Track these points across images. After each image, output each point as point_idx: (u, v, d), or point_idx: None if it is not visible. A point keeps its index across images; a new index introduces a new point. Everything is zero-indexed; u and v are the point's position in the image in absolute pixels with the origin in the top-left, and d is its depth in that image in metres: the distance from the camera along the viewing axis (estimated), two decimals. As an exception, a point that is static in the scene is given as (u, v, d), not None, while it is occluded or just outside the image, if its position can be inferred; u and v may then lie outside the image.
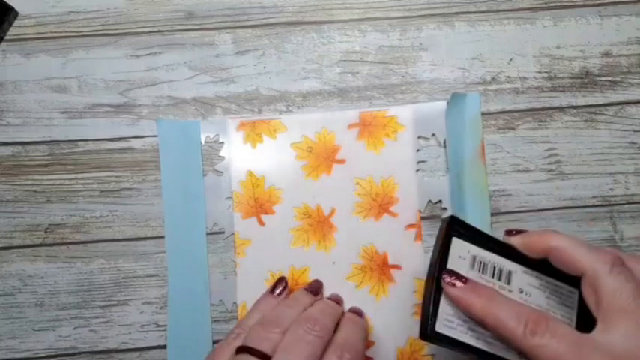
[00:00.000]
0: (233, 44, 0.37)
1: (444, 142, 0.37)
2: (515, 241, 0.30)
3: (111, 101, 0.37)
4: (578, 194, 0.37)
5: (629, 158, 0.37)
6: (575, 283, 0.28)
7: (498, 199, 0.37)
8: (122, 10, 0.37)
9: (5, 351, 0.36)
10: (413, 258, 0.36)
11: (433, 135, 0.37)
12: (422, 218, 0.36)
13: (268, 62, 0.37)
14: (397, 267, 0.36)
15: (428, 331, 0.29)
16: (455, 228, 0.31)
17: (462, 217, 0.36)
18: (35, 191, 0.37)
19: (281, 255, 0.36)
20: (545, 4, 0.38)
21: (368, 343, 0.35)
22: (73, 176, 0.37)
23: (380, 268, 0.36)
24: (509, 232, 0.31)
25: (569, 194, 0.37)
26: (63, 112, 0.37)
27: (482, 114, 0.37)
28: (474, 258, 0.30)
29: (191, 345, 0.35)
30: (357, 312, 0.35)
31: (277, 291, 0.35)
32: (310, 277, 0.36)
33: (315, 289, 0.35)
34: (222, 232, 0.36)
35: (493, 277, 0.30)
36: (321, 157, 0.37)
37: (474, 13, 0.38)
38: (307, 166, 0.37)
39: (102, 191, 0.37)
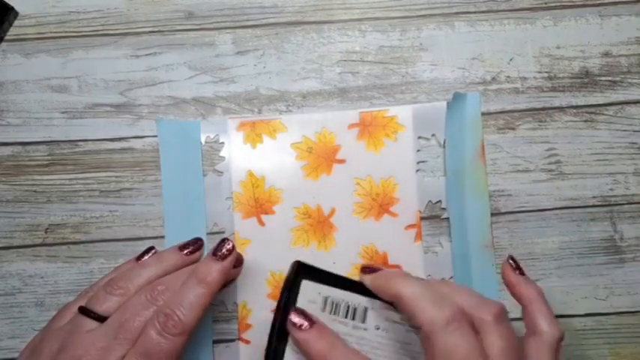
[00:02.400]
0: (233, 44, 0.37)
1: (444, 142, 0.37)
2: (365, 280, 0.30)
3: (111, 101, 0.37)
4: (578, 194, 0.37)
5: (629, 158, 0.37)
6: None
7: (498, 199, 0.37)
8: (122, 10, 0.37)
9: (5, 351, 0.36)
10: (413, 258, 0.36)
11: (433, 135, 0.37)
12: (422, 218, 0.36)
13: (268, 62, 0.37)
14: (397, 267, 0.36)
15: None
16: (303, 272, 0.31)
17: (462, 217, 0.36)
18: (35, 191, 0.37)
19: (281, 255, 0.36)
20: (545, 4, 0.38)
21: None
22: (73, 176, 0.37)
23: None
24: (363, 270, 0.31)
25: (569, 194, 0.37)
26: (63, 112, 0.37)
27: (482, 114, 0.37)
28: (326, 299, 0.30)
29: (191, 345, 0.35)
30: (220, 249, 0.31)
31: (142, 259, 0.32)
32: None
33: (187, 246, 0.32)
34: (223, 232, 0.36)
35: (347, 317, 0.30)
36: (321, 157, 0.37)
37: (474, 13, 0.38)
38: (307, 166, 0.37)
39: (102, 191, 0.37)
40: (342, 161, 0.37)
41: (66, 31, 0.37)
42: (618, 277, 0.36)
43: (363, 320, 0.30)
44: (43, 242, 0.36)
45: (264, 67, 0.37)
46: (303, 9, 0.38)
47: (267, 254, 0.36)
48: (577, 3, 0.38)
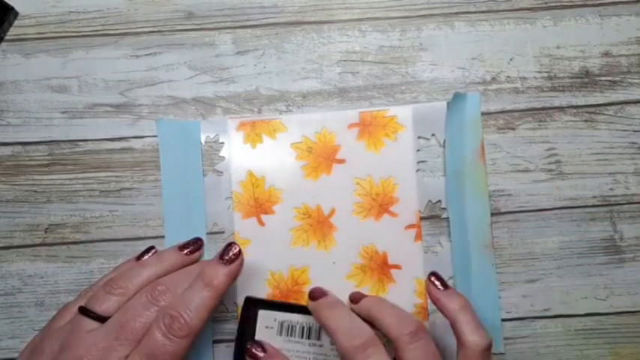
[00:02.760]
0: (233, 44, 0.37)
1: (444, 142, 0.37)
2: (309, 306, 0.33)
3: (111, 101, 0.37)
4: (578, 194, 0.37)
5: (629, 158, 0.37)
6: None
7: (498, 199, 0.37)
8: (122, 10, 0.37)
9: (5, 351, 0.36)
10: (413, 258, 0.36)
11: (433, 135, 0.37)
12: (422, 218, 0.36)
13: (268, 62, 0.37)
14: (397, 267, 0.36)
15: None
16: (256, 304, 0.34)
17: (462, 217, 0.36)
18: (35, 191, 0.37)
19: (281, 255, 0.36)
20: (545, 4, 0.38)
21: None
22: (73, 176, 0.37)
23: (380, 268, 0.36)
24: (309, 295, 0.33)
25: (569, 194, 0.37)
26: (63, 112, 0.37)
27: (482, 114, 0.37)
28: (282, 324, 0.34)
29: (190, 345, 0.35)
30: (227, 252, 0.32)
31: (142, 258, 0.33)
32: (310, 277, 0.36)
33: (187, 246, 0.33)
34: (223, 232, 0.36)
35: (302, 337, 0.33)
36: (321, 157, 0.37)
37: (474, 13, 0.38)
38: (307, 166, 0.37)
39: (102, 191, 0.37)
40: (342, 161, 0.37)
41: (66, 31, 0.37)
42: (618, 277, 0.36)
43: (318, 337, 0.33)
44: (43, 242, 0.36)
45: (264, 67, 0.37)
46: (303, 9, 0.38)
47: (267, 254, 0.36)
48: (577, 3, 0.38)
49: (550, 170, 0.37)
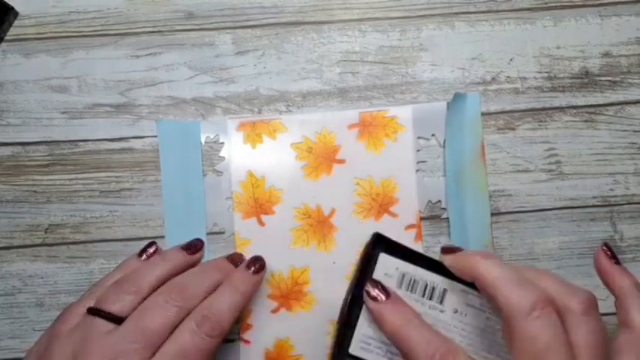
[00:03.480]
0: (233, 44, 0.37)
1: (444, 142, 0.37)
2: (446, 260, 0.28)
3: (111, 101, 0.37)
4: (578, 194, 0.37)
5: (629, 158, 0.37)
6: None
7: (498, 199, 0.37)
8: (122, 10, 0.37)
9: (5, 351, 0.36)
10: (413, 258, 0.36)
11: (433, 135, 0.37)
12: (422, 218, 0.36)
13: (268, 62, 0.37)
14: (397, 267, 0.36)
15: (339, 353, 0.28)
16: (382, 244, 0.29)
17: (462, 217, 0.36)
18: (35, 191, 0.37)
19: (281, 255, 0.36)
20: (545, 4, 0.38)
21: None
22: (73, 176, 0.37)
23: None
24: (444, 250, 0.29)
25: (569, 194, 0.37)
26: (63, 112, 0.37)
27: (482, 114, 0.37)
28: (403, 275, 0.29)
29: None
30: (254, 263, 0.32)
31: (144, 255, 0.32)
32: (310, 277, 0.36)
33: (190, 247, 0.33)
34: (223, 233, 0.36)
35: (424, 296, 0.29)
36: (321, 157, 0.37)
37: (474, 13, 0.38)
38: (307, 166, 0.37)
39: (102, 191, 0.37)
40: (342, 161, 0.37)
41: (66, 31, 0.37)
42: (618, 277, 0.36)
43: (441, 302, 0.29)
44: (43, 242, 0.36)
45: (264, 67, 0.37)
46: (303, 9, 0.38)
47: (267, 254, 0.36)
48: (577, 3, 0.38)
49: (550, 170, 0.37)
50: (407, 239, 0.36)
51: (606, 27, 0.38)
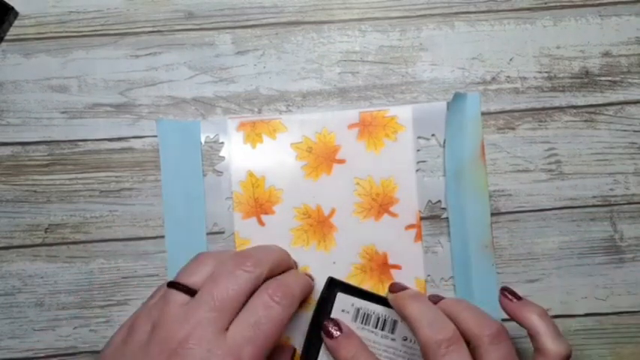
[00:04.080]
0: (233, 44, 0.37)
1: (444, 142, 0.37)
2: (389, 298, 0.33)
3: (111, 101, 0.37)
4: (578, 194, 0.37)
5: (629, 158, 0.37)
6: None
7: (498, 199, 0.37)
8: (122, 10, 0.37)
9: (5, 351, 0.36)
10: (413, 258, 0.36)
11: (433, 135, 0.37)
12: (422, 218, 0.36)
13: (268, 62, 0.37)
14: (397, 267, 0.36)
15: None
16: (338, 286, 0.34)
17: (461, 217, 0.36)
18: (35, 191, 0.37)
19: (281, 255, 0.36)
20: (545, 4, 0.38)
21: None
22: (73, 176, 0.37)
23: (380, 268, 0.36)
24: (389, 288, 0.33)
25: (569, 194, 0.37)
26: (63, 112, 0.37)
27: (482, 114, 0.37)
28: (358, 310, 0.33)
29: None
30: (308, 275, 0.35)
31: None
32: (310, 277, 0.36)
33: None
34: (222, 232, 0.36)
35: (377, 327, 0.33)
36: (321, 157, 0.37)
37: (474, 13, 0.38)
38: (307, 166, 0.37)
39: (102, 191, 0.37)
40: (342, 161, 0.37)
41: (66, 31, 0.37)
42: (618, 277, 0.36)
43: (392, 331, 0.33)
44: (43, 242, 0.36)
45: (264, 67, 0.37)
46: (303, 9, 0.38)
47: (267, 254, 0.36)
48: (577, 3, 0.38)
49: (550, 170, 0.37)
50: (407, 239, 0.36)
51: (606, 27, 0.38)
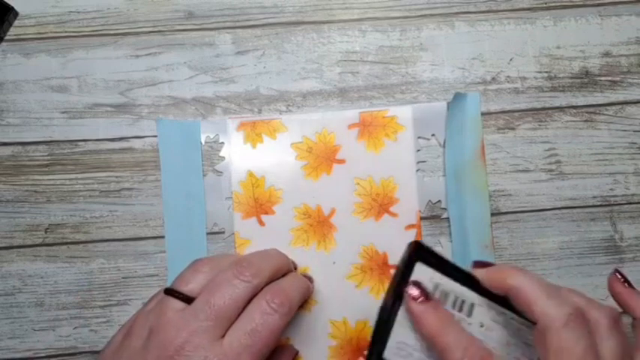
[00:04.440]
0: (233, 44, 0.37)
1: (444, 142, 0.37)
2: (478, 274, 0.29)
3: (111, 101, 0.37)
4: (578, 194, 0.37)
5: (629, 158, 0.37)
6: None
7: (498, 199, 0.37)
8: (122, 10, 0.37)
9: (5, 351, 0.36)
10: (413, 258, 0.36)
11: (433, 135, 0.37)
12: (422, 218, 0.36)
13: (268, 62, 0.37)
14: (397, 267, 0.36)
15: (374, 357, 0.28)
16: (420, 253, 0.30)
17: (462, 217, 0.36)
18: (35, 191, 0.37)
19: (281, 255, 0.36)
20: (545, 4, 0.38)
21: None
22: (73, 176, 0.37)
23: (380, 268, 0.36)
24: (476, 264, 0.30)
25: (569, 194, 0.37)
26: (63, 112, 0.37)
27: (482, 114, 0.37)
28: (437, 286, 0.30)
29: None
30: (307, 277, 0.35)
31: None
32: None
33: None
34: (222, 232, 0.36)
35: (454, 307, 0.30)
36: (321, 157, 0.37)
37: (474, 13, 0.38)
38: (307, 166, 0.37)
39: (102, 191, 0.37)
40: (342, 161, 0.37)
41: (66, 31, 0.37)
42: (618, 277, 0.36)
43: (469, 315, 0.29)
44: (43, 242, 0.36)
45: (264, 67, 0.37)
46: (303, 9, 0.38)
47: (267, 254, 0.36)
48: (577, 3, 0.38)
49: (550, 170, 0.37)
50: (407, 239, 0.36)
51: (606, 27, 0.38)
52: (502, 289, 0.28)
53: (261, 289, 0.30)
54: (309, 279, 0.35)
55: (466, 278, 0.30)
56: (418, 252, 0.30)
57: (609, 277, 0.30)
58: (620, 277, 0.30)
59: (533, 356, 0.28)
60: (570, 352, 0.24)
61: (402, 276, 0.29)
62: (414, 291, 0.28)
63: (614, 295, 0.30)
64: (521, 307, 0.27)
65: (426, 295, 0.28)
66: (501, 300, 0.28)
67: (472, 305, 0.30)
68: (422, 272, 0.30)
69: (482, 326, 0.29)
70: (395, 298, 0.29)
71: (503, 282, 0.28)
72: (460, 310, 0.29)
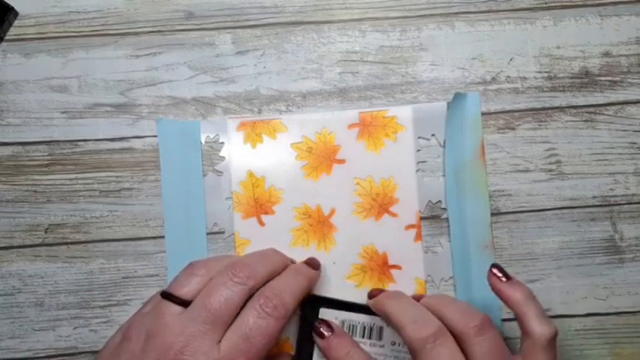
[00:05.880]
0: (233, 44, 0.37)
1: (444, 142, 0.37)
2: (369, 304, 0.33)
3: (111, 101, 0.37)
4: (578, 194, 0.37)
5: (629, 158, 0.37)
6: None
7: (498, 199, 0.37)
8: (122, 10, 0.37)
9: (5, 351, 0.36)
10: (413, 258, 0.36)
11: (433, 135, 0.37)
12: (422, 218, 0.36)
13: (268, 62, 0.37)
14: (397, 267, 0.36)
15: None
16: (319, 301, 0.34)
17: (461, 217, 0.36)
18: (35, 191, 0.37)
19: (281, 255, 0.36)
20: (545, 4, 0.38)
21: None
22: (73, 176, 0.37)
23: (380, 268, 0.36)
24: (369, 294, 0.33)
25: (569, 194, 0.37)
26: (63, 112, 0.37)
27: (482, 114, 0.37)
28: (343, 322, 0.33)
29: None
30: (311, 263, 0.34)
31: None
32: (310, 277, 0.36)
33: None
34: (223, 232, 0.36)
35: (364, 337, 0.33)
36: (321, 157, 0.37)
37: (474, 13, 0.38)
38: (307, 166, 0.37)
39: (102, 191, 0.37)
40: (342, 161, 0.37)
41: (66, 31, 0.37)
42: (618, 277, 0.36)
43: (380, 338, 0.33)
44: (43, 242, 0.36)
45: (264, 67, 0.37)
46: (303, 9, 0.38)
47: (267, 254, 0.36)
48: (577, 3, 0.38)
49: (550, 170, 0.37)
50: (407, 239, 0.36)
51: (606, 27, 0.38)
52: (383, 317, 0.32)
53: (257, 290, 0.30)
54: (315, 265, 0.34)
55: (367, 309, 0.33)
56: (316, 301, 0.34)
57: (488, 274, 0.32)
58: (497, 273, 0.31)
59: None
60: None
61: (306, 324, 0.34)
62: (319, 327, 0.32)
63: (495, 292, 0.31)
64: (396, 331, 0.30)
65: (330, 328, 0.32)
66: None
67: (381, 328, 0.33)
68: (327, 314, 0.34)
69: (393, 344, 0.33)
70: (305, 345, 0.33)
71: (381, 311, 0.31)
72: (370, 336, 0.33)
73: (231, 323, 0.29)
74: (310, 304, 0.34)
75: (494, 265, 0.32)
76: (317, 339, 0.32)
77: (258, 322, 0.28)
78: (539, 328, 0.28)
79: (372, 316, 0.33)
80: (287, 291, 0.30)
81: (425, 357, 0.28)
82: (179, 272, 0.31)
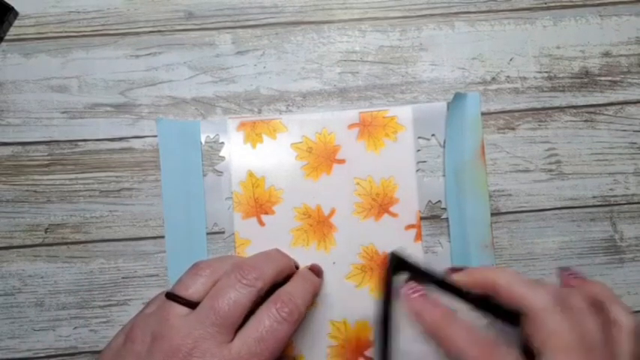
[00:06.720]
0: (233, 44, 0.37)
1: (444, 142, 0.37)
2: (457, 278, 0.30)
3: (111, 101, 0.37)
4: (578, 194, 0.37)
5: (629, 158, 0.37)
6: (519, 322, 0.28)
7: (498, 199, 0.37)
8: (122, 10, 0.37)
9: (5, 351, 0.36)
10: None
11: (433, 135, 0.37)
12: (422, 218, 0.36)
13: (268, 62, 0.37)
14: (397, 267, 0.36)
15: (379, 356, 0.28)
16: (398, 265, 0.30)
17: (461, 217, 0.36)
18: (35, 191, 0.37)
19: (281, 255, 0.36)
20: (545, 4, 0.38)
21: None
22: (73, 176, 0.37)
23: (380, 268, 0.36)
24: (452, 270, 0.30)
25: (569, 194, 0.37)
26: (63, 112, 0.37)
27: (483, 114, 0.37)
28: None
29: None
30: (315, 270, 0.34)
31: None
32: (310, 277, 0.36)
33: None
34: (223, 232, 0.36)
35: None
36: (321, 157, 0.37)
37: (474, 13, 0.38)
38: (307, 166, 0.37)
39: (102, 191, 0.37)
40: (342, 161, 0.37)
41: (66, 31, 0.37)
42: (618, 277, 0.36)
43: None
44: (43, 242, 0.36)
45: (264, 67, 0.37)
46: (303, 9, 0.38)
47: (267, 254, 0.36)
48: (577, 3, 0.38)
49: (550, 170, 0.37)
50: (407, 239, 0.36)
51: (606, 27, 0.38)
52: (487, 288, 0.29)
53: (265, 291, 0.30)
54: (318, 272, 0.34)
55: (444, 285, 0.30)
56: (396, 265, 0.30)
57: (561, 275, 0.31)
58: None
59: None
60: (562, 330, 0.26)
61: (388, 287, 0.30)
62: (408, 290, 0.29)
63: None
64: (505, 302, 0.28)
65: (421, 291, 0.29)
66: (479, 304, 0.29)
67: (454, 311, 0.30)
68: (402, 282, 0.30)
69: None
70: (385, 310, 0.30)
71: (484, 282, 0.29)
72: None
73: (239, 325, 0.28)
74: (392, 264, 0.30)
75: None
76: (408, 300, 0.29)
77: (274, 326, 0.28)
78: (627, 320, 0.28)
79: (448, 296, 0.30)
80: (300, 297, 0.30)
81: (551, 320, 0.26)
82: (183, 273, 0.31)
